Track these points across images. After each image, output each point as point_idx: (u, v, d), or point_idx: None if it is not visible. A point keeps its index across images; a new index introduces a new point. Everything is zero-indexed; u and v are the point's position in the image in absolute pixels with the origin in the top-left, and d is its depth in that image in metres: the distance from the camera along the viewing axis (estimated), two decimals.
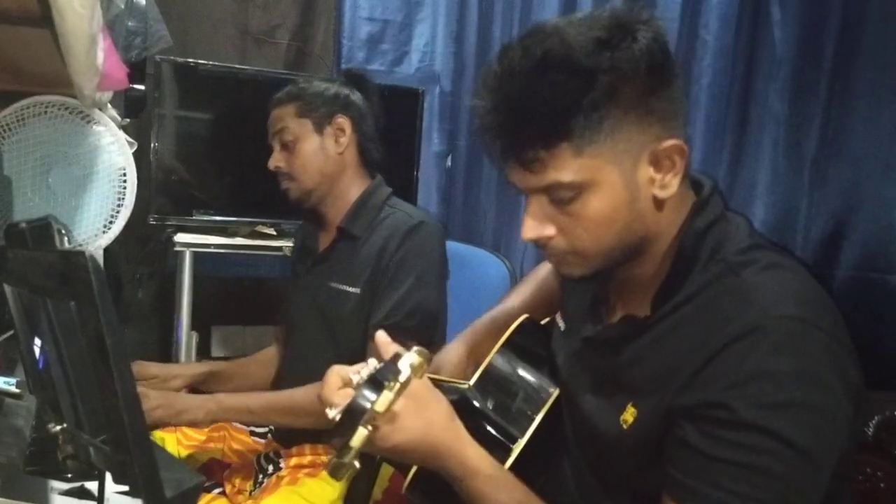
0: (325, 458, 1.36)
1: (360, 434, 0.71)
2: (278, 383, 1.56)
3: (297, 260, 1.62)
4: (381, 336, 0.86)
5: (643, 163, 0.78)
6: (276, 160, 1.45)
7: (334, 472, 0.72)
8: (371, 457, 1.25)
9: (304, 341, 1.49)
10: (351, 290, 1.40)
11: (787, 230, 1.25)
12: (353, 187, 1.47)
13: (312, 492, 1.29)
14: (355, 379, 0.75)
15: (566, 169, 0.76)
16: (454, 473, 0.81)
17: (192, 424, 1.42)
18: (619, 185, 0.78)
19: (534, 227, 0.81)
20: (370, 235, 1.41)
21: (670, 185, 0.79)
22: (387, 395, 0.72)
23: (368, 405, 0.71)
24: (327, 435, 1.32)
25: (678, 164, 0.79)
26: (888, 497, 1.04)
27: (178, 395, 1.37)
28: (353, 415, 0.71)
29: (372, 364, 0.78)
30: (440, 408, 0.81)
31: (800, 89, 1.27)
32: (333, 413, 0.73)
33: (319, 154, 1.44)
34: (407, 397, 0.74)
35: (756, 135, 1.33)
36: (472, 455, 0.81)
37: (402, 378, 0.73)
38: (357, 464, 0.72)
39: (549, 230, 0.81)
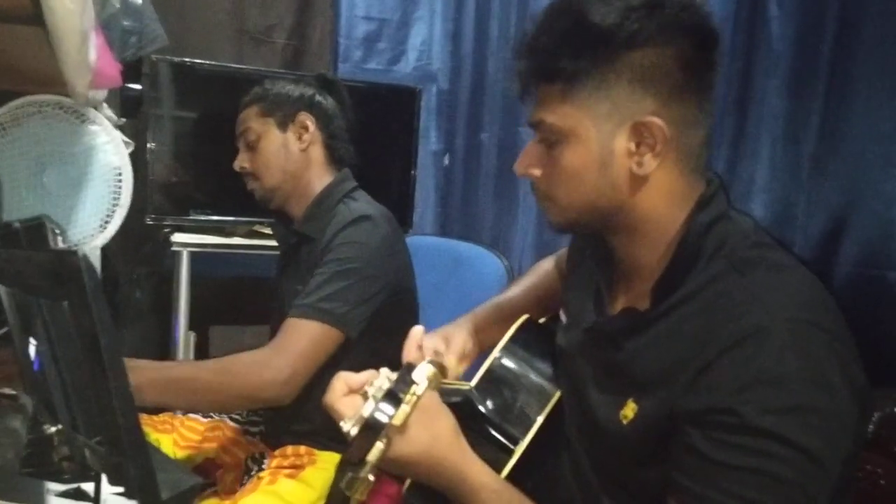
0: (305, 460, 1.36)
1: (377, 448, 0.71)
2: None
3: (278, 262, 1.60)
4: (417, 330, 0.86)
5: (623, 132, 0.79)
6: (241, 161, 1.44)
7: (350, 488, 0.72)
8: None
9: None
10: (301, 288, 1.36)
11: (785, 226, 1.24)
12: (318, 186, 1.44)
13: (291, 493, 1.29)
14: (370, 391, 0.74)
15: (552, 111, 0.81)
16: (458, 491, 0.80)
17: None
18: (593, 144, 0.80)
19: (524, 164, 0.87)
20: (324, 235, 1.38)
21: (647, 163, 0.79)
22: (404, 409, 0.72)
23: (387, 419, 0.71)
24: (315, 439, 1.32)
25: (658, 145, 0.79)
26: (888, 495, 1.03)
27: None
28: (372, 429, 0.71)
29: (384, 374, 0.77)
30: (447, 423, 0.81)
31: (798, 85, 1.26)
32: (349, 427, 0.73)
33: (281, 151, 1.41)
34: (416, 410, 0.74)
35: (754, 131, 1.33)
36: (476, 471, 0.81)
37: (419, 391, 0.73)
38: (371, 478, 0.72)
39: (535, 170, 0.85)
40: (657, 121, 0.78)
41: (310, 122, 1.43)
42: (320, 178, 1.45)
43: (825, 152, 1.20)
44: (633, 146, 0.79)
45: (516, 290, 1.19)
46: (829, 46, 1.20)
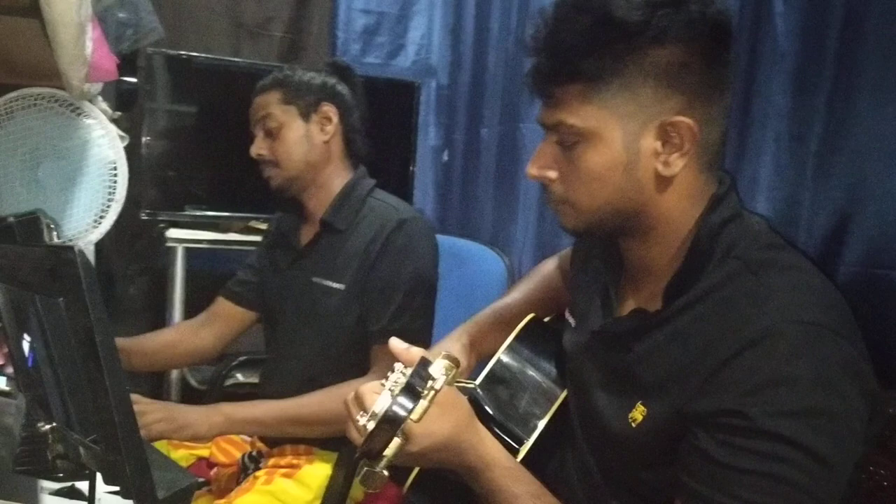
0: (303, 459, 1.35)
1: (395, 443, 0.72)
2: (264, 382, 1.54)
3: (274, 252, 1.55)
4: (396, 343, 0.85)
5: (649, 132, 0.77)
6: (259, 147, 1.41)
7: (366, 482, 0.72)
8: (350, 458, 1.25)
9: (287, 339, 1.46)
10: (335, 285, 1.37)
11: (789, 225, 1.23)
12: (337, 178, 1.44)
13: (286, 492, 1.29)
14: (387, 385, 0.74)
15: (573, 112, 0.78)
16: (473, 467, 0.81)
17: (196, 439, 1.37)
18: (619, 145, 0.78)
19: (538, 166, 0.83)
20: (354, 229, 1.39)
21: (674, 163, 0.78)
22: (422, 404, 0.72)
23: (405, 414, 0.71)
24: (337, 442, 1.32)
25: (686, 145, 0.77)
26: (892, 497, 1.03)
27: (177, 406, 1.32)
28: (390, 424, 0.71)
29: (398, 369, 0.77)
30: (463, 408, 0.82)
31: (803, 82, 1.25)
32: (364, 420, 0.73)
33: (304, 141, 1.40)
34: (434, 405, 0.74)
35: (758, 129, 1.32)
36: (490, 448, 0.82)
37: (437, 386, 0.73)
38: (387, 473, 0.72)
39: (552, 173, 0.82)
40: (687, 120, 0.76)
41: (333, 114, 1.42)
42: (338, 171, 1.44)
43: (830, 150, 1.19)
44: (659, 146, 0.78)
45: (517, 294, 1.17)
46: (835, 43, 1.19)
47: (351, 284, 1.35)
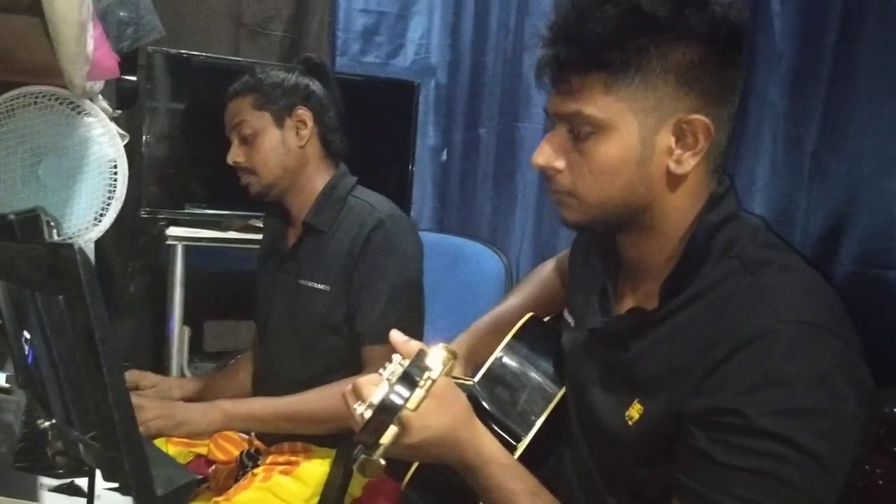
0: (301, 456, 1.36)
1: (391, 431, 0.72)
2: (256, 385, 1.54)
3: (264, 256, 1.56)
4: (396, 335, 0.86)
5: (666, 129, 0.78)
6: (235, 155, 1.40)
7: (362, 470, 0.73)
8: (348, 454, 1.25)
9: (278, 342, 1.46)
10: (320, 287, 1.36)
11: (786, 225, 1.24)
12: (318, 179, 1.42)
13: (285, 489, 1.29)
14: (384, 374, 0.75)
15: (592, 102, 0.77)
16: (471, 463, 0.81)
17: (194, 436, 1.37)
18: (635, 139, 0.78)
19: (546, 155, 0.82)
20: (337, 229, 1.38)
21: (686, 162, 0.78)
22: (419, 393, 0.73)
23: (402, 402, 0.72)
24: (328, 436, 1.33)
25: (700, 143, 0.78)
26: (887, 495, 1.03)
27: (176, 404, 1.33)
28: (386, 412, 0.72)
29: (397, 360, 0.78)
30: (461, 403, 0.82)
31: (800, 82, 1.26)
32: (362, 409, 0.73)
33: (280, 148, 1.38)
34: (431, 396, 0.74)
35: (755, 128, 1.32)
36: (487, 445, 0.83)
37: (434, 375, 0.74)
38: (383, 461, 0.73)
39: (559, 163, 0.81)
40: (704, 119, 0.77)
41: (308, 118, 1.40)
42: (319, 172, 1.43)
43: (826, 150, 1.20)
44: (673, 143, 0.78)
45: (514, 300, 1.17)
46: (831, 44, 1.20)
47: (336, 285, 1.35)
